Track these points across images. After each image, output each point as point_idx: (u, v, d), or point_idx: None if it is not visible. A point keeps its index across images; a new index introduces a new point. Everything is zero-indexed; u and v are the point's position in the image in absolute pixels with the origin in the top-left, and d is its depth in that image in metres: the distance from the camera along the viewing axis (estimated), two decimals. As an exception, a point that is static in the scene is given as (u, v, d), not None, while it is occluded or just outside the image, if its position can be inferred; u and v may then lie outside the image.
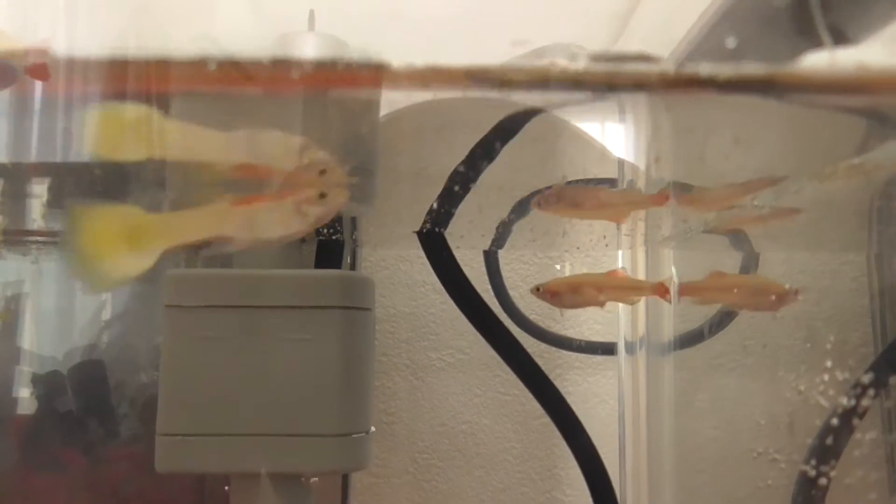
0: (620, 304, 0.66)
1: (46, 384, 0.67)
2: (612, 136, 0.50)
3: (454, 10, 0.42)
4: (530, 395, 0.60)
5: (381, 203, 0.55)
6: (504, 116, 0.44)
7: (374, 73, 0.30)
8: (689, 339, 0.58)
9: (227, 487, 0.54)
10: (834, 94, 0.25)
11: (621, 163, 0.54)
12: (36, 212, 0.59)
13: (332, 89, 0.34)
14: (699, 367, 0.56)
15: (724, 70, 0.24)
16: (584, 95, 0.29)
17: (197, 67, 0.31)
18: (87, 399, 0.67)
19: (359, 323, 0.53)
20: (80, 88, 0.36)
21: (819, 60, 0.25)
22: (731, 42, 0.24)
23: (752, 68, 0.25)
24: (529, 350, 0.57)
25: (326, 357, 0.51)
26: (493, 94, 0.30)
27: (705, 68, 0.24)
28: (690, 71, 0.25)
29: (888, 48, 0.24)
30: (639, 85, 0.26)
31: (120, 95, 0.35)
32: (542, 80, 0.26)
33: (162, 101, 0.37)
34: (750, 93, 0.26)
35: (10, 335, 0.70)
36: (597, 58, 0.26)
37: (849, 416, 0.38)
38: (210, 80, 0.32)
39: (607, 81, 0.26)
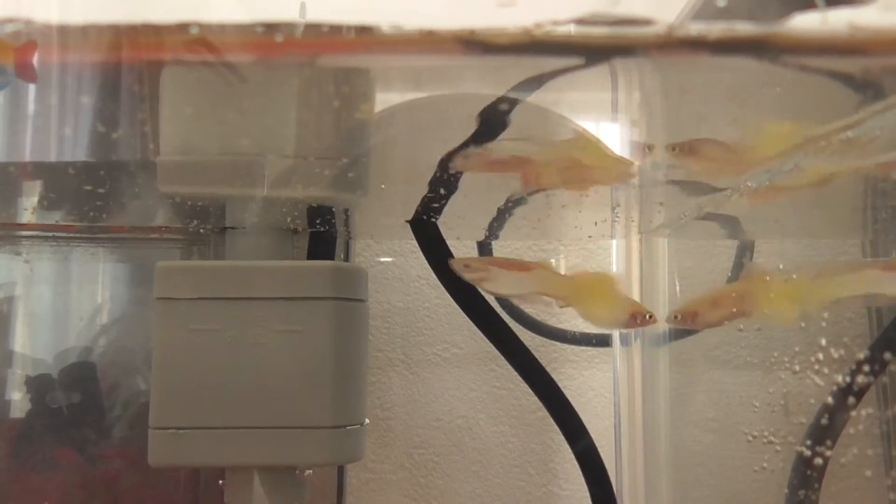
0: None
1: (36, 387, 0.67)
2: (607, 133, 0.50)
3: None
4: (526, 390, 0.60)
5: (373, 197, 0.54)
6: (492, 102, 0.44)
7: (363, 38, 0.29)
8: (684, 330, 0.57)
9: (221, 482, 0.54)
10: (827, 55, 0.25)
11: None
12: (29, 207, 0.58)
13: (321, 56, 0.34)
14: (694, 356, 0.56)
15: (715, 30, 0.24)
16: (575, 61, 0.29)
17: (186, 36, 0.31)
18: (77, 400, 0.66)
19: (351, 314, 0.53)
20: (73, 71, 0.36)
21: (811, 21, 0.25)
22: (721, 1, 0.24)
23: (743, 28, 0.25)
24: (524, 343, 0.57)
25: (319, 348, 0.51)
26: (483, 60, 0.30)
27: (696, 28, 0.24)
28: (682, 32, 0.24)
29: (882, 10, 0.24)
30: (630, 47, 0.26)
31: (115, 66, 0.35)
32: (531, 43, 0.26)
33: (153, 75, 0.37)
34: (743, 54, 0.26)
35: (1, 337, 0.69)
36: (586, 20, 0.26)
37: (844, 396, 0.38)
38: (200, 49, 0.31)
39: (597, 44, 0.26)
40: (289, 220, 0.55)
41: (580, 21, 0.26)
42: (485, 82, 0.41)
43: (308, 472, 0.53)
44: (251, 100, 0.43)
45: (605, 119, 0.48)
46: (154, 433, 0.50)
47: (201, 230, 0.61)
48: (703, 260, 0.58)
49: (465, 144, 0.45)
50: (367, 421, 0.54)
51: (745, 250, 0.54)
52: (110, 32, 0.34)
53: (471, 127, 0.47)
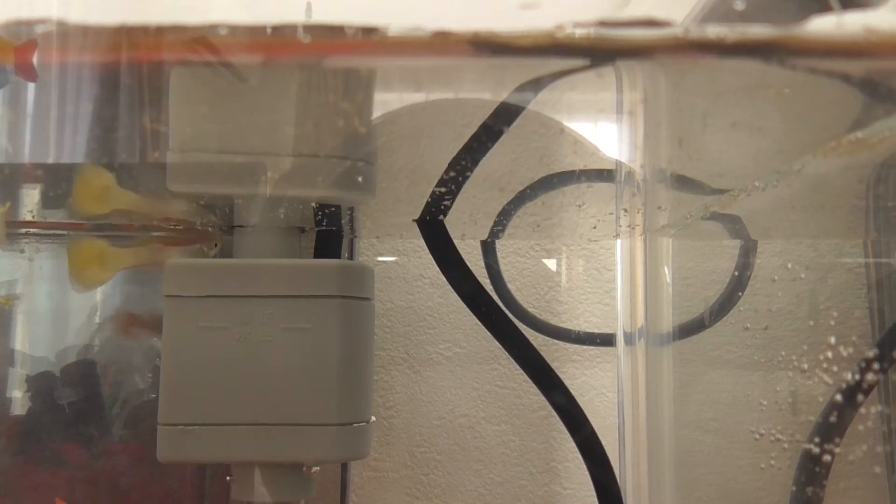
0: (619, 295, 0.66)
1: (38, 385, 0.67)
2: (605, 134, 0.50)
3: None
4: (528, 389, 0.60)
5: (380, 196, 0.55)
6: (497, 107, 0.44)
7: (373, 40, 0.30)
8: (689, 329, 0.58)
9: (228, 478, 0.54)
10: (842, 58, 0.26)
11: (619, 163, 0.54)
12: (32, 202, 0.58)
13: (329, 58, 0.34)
14: (700, 355, 0.56)
15: (732, 33, 0.24)
16: (583, 63, 0.29)
17: (193, 36, 0.31)
18: (81, 397, 0.66)
19: (358, 312, 0.53)
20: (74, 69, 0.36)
21: (826, 23, 0.25)
22: (739, 4, 0.24)
23: (759, 31, 0.25)
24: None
25: (326, 346, 0.51)
26: (488, 61, 0.30)
27: (713, 31, 0.24)
28: (698, 35, 0.25)
29: (893, 11, 0.24)
30: (647, 50, 0.26)
31: (115, 67, 0.35)
32: (551, 46, 0.26)
33: (156, 76, 0.37)
34: (757, 57, 0.26)
35: (2, 335, 0.69)
36: (608, 22, 0.26)
37: (853, 393, 0.38)
38: (206, 50, 0.32)
39: (615, 47, 0.26)
40: (296, 218, 0.55)
41: (602, 23, 0.26)
42: (484, 83, 0.41)
43: (315, 469, 0.54)
44: (257, 99, 0.44)
45: (608, 120, 0.49)
46: (163, 429, 0.50)
47: (209, 228, 0.62)
48: (704, 260, 0.58)
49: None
50: (373, 418, 0.55)
51: (749, 251, 0.54)
52: (116, 33, 0.34)
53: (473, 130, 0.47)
